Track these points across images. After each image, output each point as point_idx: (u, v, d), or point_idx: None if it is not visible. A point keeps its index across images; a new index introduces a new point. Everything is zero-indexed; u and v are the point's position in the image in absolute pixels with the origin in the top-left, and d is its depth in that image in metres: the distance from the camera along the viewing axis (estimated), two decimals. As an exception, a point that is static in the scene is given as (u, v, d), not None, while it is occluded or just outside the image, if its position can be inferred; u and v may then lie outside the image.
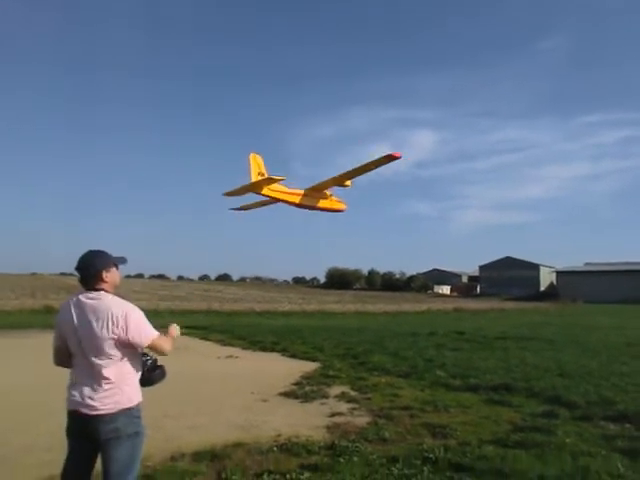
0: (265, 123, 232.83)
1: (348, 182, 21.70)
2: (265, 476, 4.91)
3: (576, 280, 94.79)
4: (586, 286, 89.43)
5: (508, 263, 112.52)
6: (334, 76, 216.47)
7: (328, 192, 22.32)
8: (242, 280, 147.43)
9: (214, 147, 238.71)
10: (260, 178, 19.96)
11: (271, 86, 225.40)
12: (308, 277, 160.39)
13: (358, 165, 20.18)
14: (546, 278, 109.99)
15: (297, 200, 21.37)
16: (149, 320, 3.38)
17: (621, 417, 7.42)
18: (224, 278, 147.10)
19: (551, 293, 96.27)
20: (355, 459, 5.37)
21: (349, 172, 20.65)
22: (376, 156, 19.24)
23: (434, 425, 6.83)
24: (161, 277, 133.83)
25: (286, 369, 11.66)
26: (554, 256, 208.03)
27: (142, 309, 3.45)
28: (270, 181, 19.85)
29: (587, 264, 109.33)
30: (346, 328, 23.04)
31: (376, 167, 19.92)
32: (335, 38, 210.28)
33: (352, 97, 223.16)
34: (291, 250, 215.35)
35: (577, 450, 5.75)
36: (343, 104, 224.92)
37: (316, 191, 21.82)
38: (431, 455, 5.47)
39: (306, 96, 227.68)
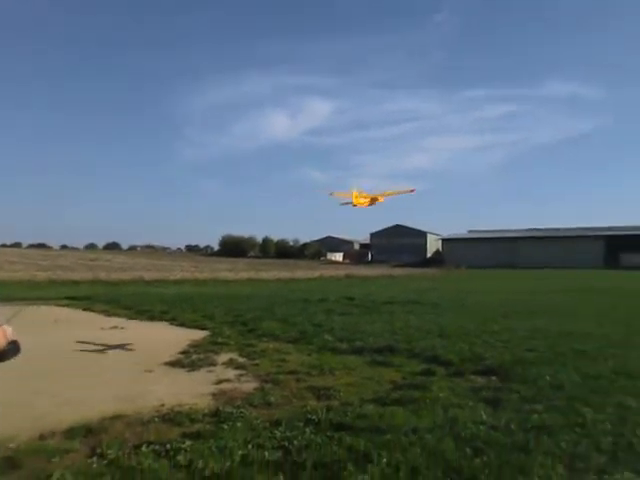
0: (153, 87, 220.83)
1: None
2: (144, 447, 4.74)
3: (460, 247, 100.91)
4: (469, 252, 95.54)
5: (397, 231, 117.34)
6: (227, 39, 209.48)
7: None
8: (132, 249, 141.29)
9: (100, 110, 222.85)
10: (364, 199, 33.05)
11: (162, 50, 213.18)
12: (202, 245, 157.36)
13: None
14: (433, 245, 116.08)
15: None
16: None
17: (488, 371, 8.09)
18: (113, 247, 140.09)
19: (437, 259, 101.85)
20: (239, 424, 5.37)
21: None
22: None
23: (319, 388, 6.99)
24: (42, 246, 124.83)
25: (174, 338, 11.40)
26: (441, 224, 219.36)
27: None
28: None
29: (470, 231, 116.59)
30: (238, 296, 22.99)
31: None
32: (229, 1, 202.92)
33: (248, 61, 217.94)
34: (185, 218, 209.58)
35: (448, 403, 6.17)
36: (238, 68, 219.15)
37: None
38: (314, 417, 5.60)
39: (198, 59, 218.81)
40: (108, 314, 16.19)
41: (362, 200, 33.27)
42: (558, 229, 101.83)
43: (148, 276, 36.59)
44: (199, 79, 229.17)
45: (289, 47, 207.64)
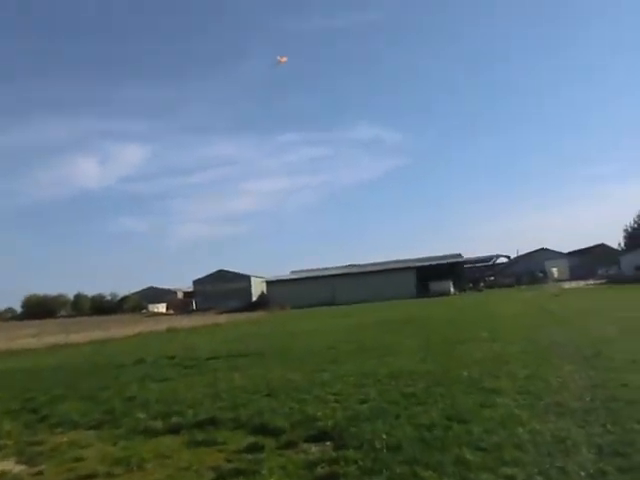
0: None
1: None
2: None
3: (284, 288, 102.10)
4: (292, 293, 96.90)
5: (221, 276, 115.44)
6: (17, 77, 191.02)
7: None
8: None
9: None
10: None
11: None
12: (1, 308, 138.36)
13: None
14: (258, 288, 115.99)
15: None
16: None
17: (322, 435, 7.38)
18: None
19: (262, 302, 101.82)
20: None
21: None
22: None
23: (121, 497, 5.55)
24: None
25: None
26: (265, 267, 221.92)
27: None
28: None
29: (293, 272, 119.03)
30: (35, 370, 19.68)
31: None
32: (24, 33, 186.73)
33: (43, 102, 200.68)
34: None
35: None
36: (29, 109, 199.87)
37: None
38: None
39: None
40: None
41: None
42: (374, 264, 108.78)
43: None
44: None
45: (91, 91, 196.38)
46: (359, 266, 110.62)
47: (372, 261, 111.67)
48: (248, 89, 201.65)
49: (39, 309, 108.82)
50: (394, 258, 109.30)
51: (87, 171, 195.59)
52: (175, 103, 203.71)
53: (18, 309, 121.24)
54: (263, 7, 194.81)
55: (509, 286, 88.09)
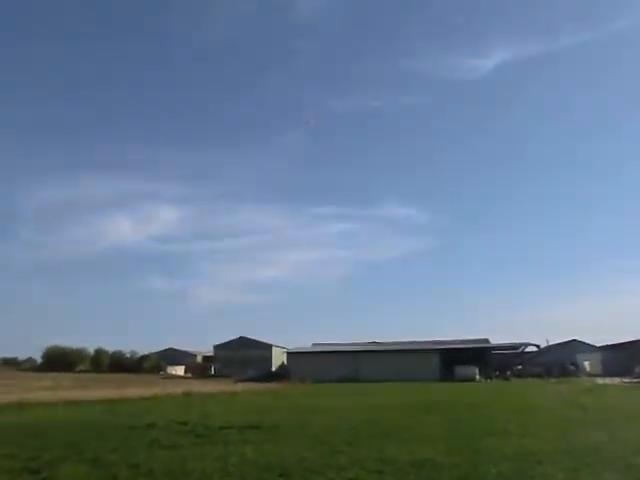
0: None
1: None
2: None
3: (305, 360, 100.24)
4: (313, 366, 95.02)
5: (242, 343, 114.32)
6: (66, 136, 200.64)
7: None
8: None
9: None
10: None
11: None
12: (23, 357, 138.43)
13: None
14: (278, 358, 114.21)
15: None
16: None
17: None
18: None
19: (282, 373, 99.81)
20: None
21: None
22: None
23: None
24: None
25: None
26: (287, 337, 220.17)
27: None
28: None
29: (315, 345, 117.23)
30: (43, 426, 19.12)
31: None
32: (75, 95, 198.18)
33: (88, 162, 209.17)
34: (4, 326, 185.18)
35: None
36: (78, 168, 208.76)
37: None
38: None
39: (35, 157, 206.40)
40: None
41: None
42: (397, 343, 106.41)
43: None
44: (33, 176, 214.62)
45: (135, 154, 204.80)
46: (382, 344, 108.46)
47: (395, 339, 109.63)
48: (283, 160, 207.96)
49: (59, 361, 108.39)
50: (418, 338, 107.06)
51: (120, 228, 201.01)
52: (211, 169, 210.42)
53: (39, 359, 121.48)
54: (301, 82, 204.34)
55: (538, 376, 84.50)
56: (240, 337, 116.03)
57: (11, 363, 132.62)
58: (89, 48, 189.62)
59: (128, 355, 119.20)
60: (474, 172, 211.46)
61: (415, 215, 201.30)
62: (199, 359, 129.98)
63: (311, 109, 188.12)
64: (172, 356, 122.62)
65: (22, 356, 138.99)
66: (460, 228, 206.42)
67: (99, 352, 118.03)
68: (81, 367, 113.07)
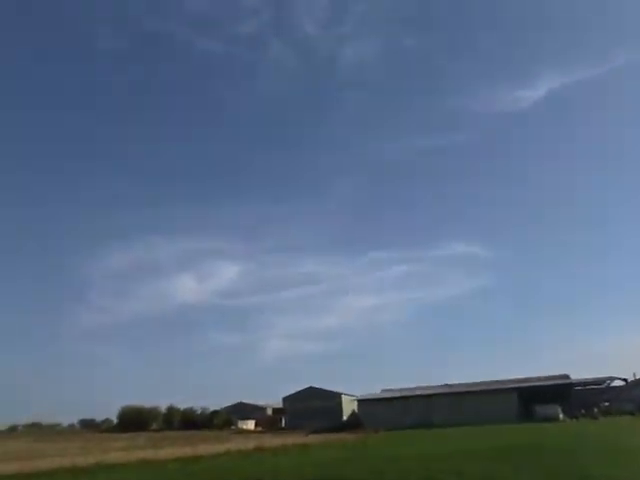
0: (54, 251, 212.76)
1: None
2: None
3: (375, 407, 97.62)
4: (384, 413, 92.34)
5: (311, 394, 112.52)
6: (133, 206, 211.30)
7: None
8: (12, 429, 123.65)
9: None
10: None
11: (65, 214, 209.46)
12: (100, 419, 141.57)
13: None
14: (348, 406, 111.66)
15: None
16: None
17: None
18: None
19: (354, 422, 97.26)
20: None
21: None
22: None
23: None
24: None
25: None
26: (355, 384, 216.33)
27: None
28: None
29: (384, 390, 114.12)
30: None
31: None
32: (134, 169, 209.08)
33: (153, 226, 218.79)
34: (81, 389, 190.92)
35: None
36: (144, 233, 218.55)
37: None
38: None
39: (101, 224, 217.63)
40: None
41: None
42: (471, 384, 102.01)
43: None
44: (101, 243, 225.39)
45: (195, 213, 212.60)
46: (455, 385, 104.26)
47: (467, 380, 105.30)
48: (338, 208, 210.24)
49: (133, 421, 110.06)
50: (492, 378, 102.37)
51: (184, 287, 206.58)
52: (269, 222, 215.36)
53: (115, 420, 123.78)
54: (350, 131, 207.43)
55: (630, 414, 78.42)
56: (309, 387, 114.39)
57: (90, 425, 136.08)
58: (153, 130, 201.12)
59: (199, 411, 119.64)
60: (534, 204, 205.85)
61: (478, 252, 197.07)
62: (269, 412, 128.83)
63: (362, 156, 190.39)
64: (242, 410, 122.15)
65: (99, 417, 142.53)
66: (525, 262, 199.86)
67: (171, 410, 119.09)
68: (154, 425, 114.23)
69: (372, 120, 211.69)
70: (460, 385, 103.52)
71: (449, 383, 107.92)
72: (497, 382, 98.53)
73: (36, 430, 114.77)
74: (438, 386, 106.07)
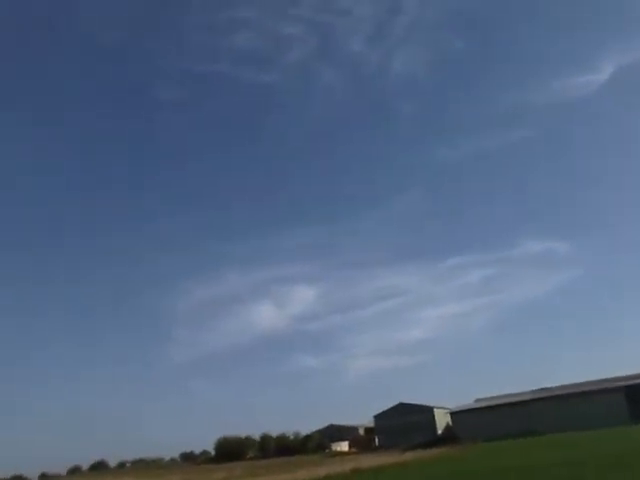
0: (134, 292, 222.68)
1: None
2: None
3: (470, 419, 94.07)
4: (480, 423, 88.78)
5: (402, 409, 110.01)
6: (204, 241, 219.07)
7: None
8: (122, 465, 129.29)
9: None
10: None
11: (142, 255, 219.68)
12: (198, 451, 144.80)
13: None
14: (442, 420, 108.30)
15: None
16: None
17: None
18: (98, 467, 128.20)
19: (449, 435, 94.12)
20: None
21: None
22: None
23: None
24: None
25: None
26: (446, 396, 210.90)
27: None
28: None
29: (477, 400, 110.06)
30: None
31: None
32: (197, 205, 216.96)
33: (227, 260, 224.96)
34: (178, 423, 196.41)
35: None
36: (216, 266, 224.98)
37: None
38: None
39: (177, 262, 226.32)
40: None
41: None
42: (570, 385, 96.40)
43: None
44: (181, 281, 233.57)
45: (265, 242, 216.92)
46: (553, 389, 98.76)
47: (567, 382, 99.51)
48: (406, 218, 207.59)
49: (230, 451, 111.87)
50: (595, 377, 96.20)
51: (264, 315, 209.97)
52: (339, 241, 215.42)
53: (212, 451, 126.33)
54: (407, 139, 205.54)
55: None
56: (399, 404, 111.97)
57: (189, 457, 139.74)
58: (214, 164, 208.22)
59: (292, 437, 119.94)
60: (606, 191, 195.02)
61: (556, 247, 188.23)
62: (361, 432, 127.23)
63: (422, 166, 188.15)
64: (334, 432, 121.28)
65: (197, 449, 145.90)
66: (605, 252, 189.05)
67: (265, 437, 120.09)
68: (250, 454, 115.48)
69: (427, 127, 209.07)
70: (559, 388, 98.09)
71: (546, 387, 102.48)
72: (601, 381, 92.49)
73: (142, 465, 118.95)
74: (534, 391, 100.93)
